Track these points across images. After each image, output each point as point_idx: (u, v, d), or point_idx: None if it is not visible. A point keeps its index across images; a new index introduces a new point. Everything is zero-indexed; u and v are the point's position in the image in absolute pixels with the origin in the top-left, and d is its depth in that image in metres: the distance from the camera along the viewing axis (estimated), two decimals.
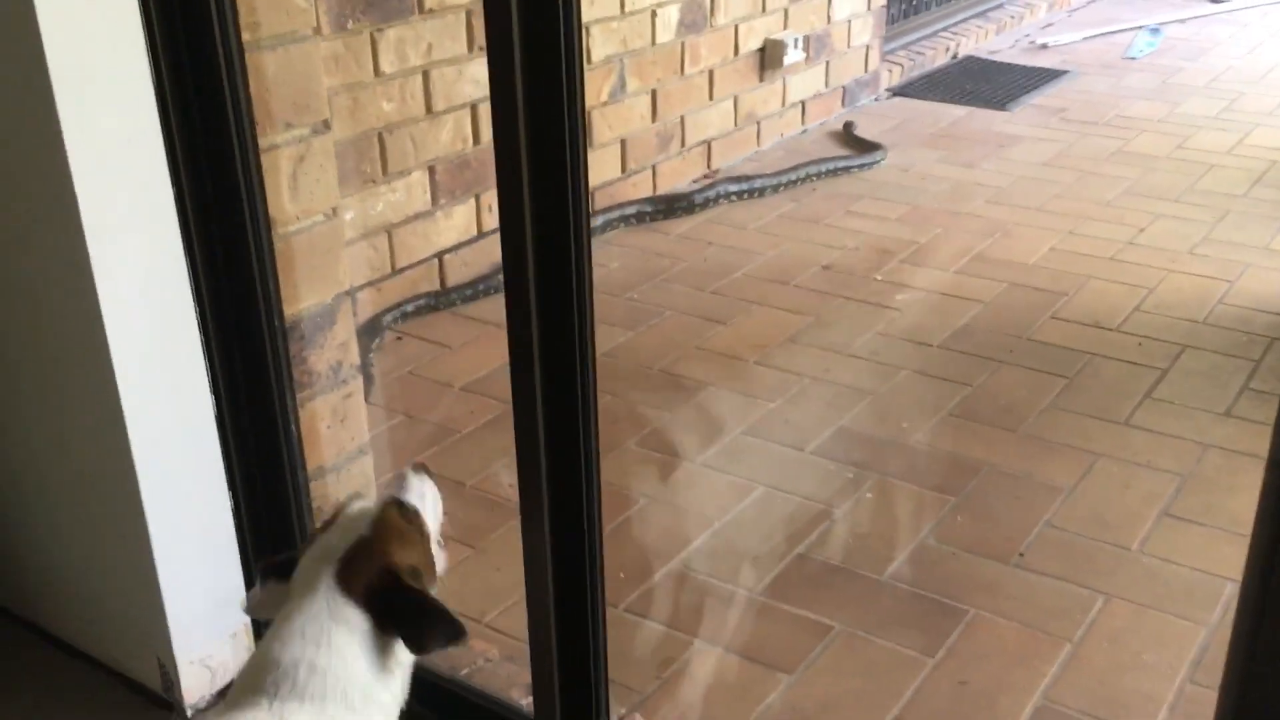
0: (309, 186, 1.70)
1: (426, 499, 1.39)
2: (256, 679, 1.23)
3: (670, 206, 3.79)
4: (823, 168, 4.08)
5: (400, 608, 1.26)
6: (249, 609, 1.43)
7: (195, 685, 1.80)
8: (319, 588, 1.25)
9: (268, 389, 1.70)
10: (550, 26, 1.24)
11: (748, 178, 3.99)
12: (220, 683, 1.83)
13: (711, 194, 3.85)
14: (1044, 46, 5.62)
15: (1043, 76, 5.14)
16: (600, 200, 3.74)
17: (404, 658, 1.30)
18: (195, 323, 1.65)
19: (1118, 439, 2.54)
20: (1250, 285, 3.19)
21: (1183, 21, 6.04)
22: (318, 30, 1.72)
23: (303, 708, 1.21)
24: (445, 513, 1.43)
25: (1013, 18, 5.92)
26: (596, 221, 3.67)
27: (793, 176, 4.01)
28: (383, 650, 1.27)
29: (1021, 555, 2.19)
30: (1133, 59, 5.41)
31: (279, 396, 1.71)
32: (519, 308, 1.37)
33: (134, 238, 1.56)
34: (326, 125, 1.72)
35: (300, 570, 1.29)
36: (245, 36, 1.55)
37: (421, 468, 1.42)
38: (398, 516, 1.34)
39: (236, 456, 1.74)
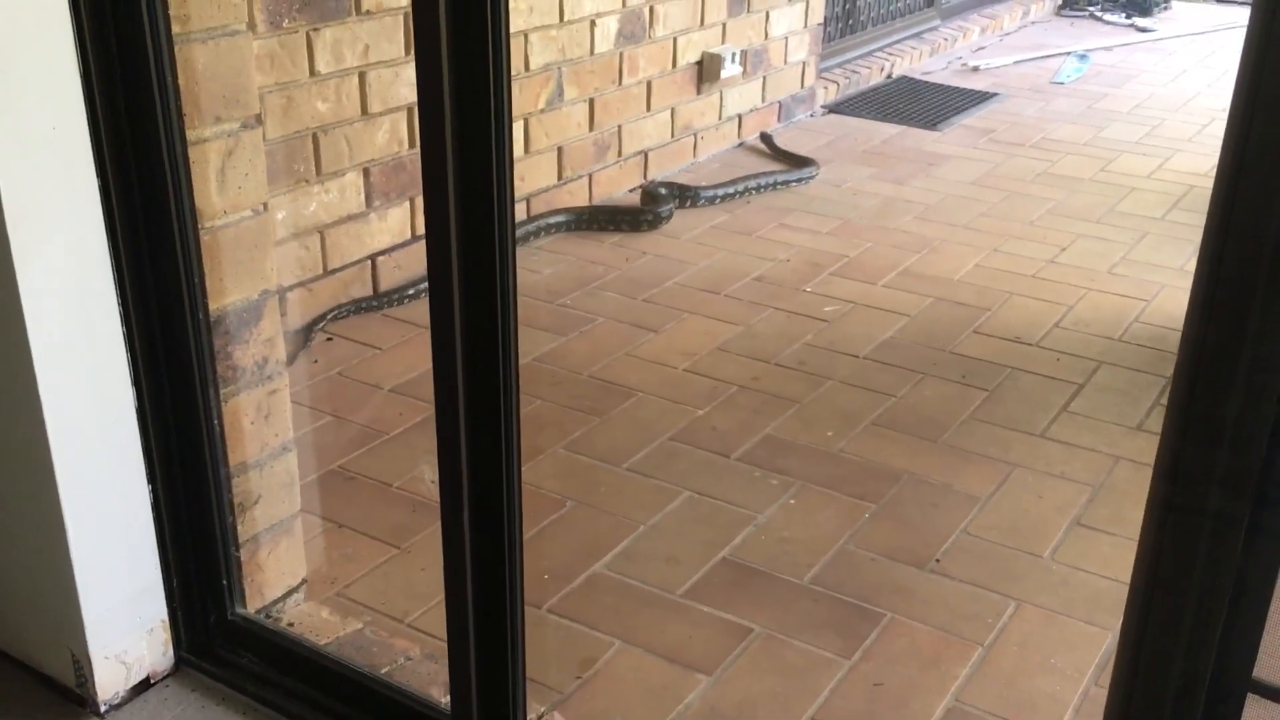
0: (237, 181, 1.70)
1: None
2: None
3: (635, 218, 3.82)
4: (763, 181, 4.14)
5: None
6: None
7: (110, 680, 1.78)
8: None
9: (190, 382, 1.70)
10: (479, 34, 1.26)
11: (693, 187, 4.04)
12: (135, 678, 1.82)
13: (664, 210, 3.87)
14: (975, 69, 5.75)
15: (973, 98, 5.25)
16: (537, 206, 3.76)
17: None
18: (117, 313, 1.64)
19: (1034, 450, 2.61)
20: (1165, 305, 3.29)
21: (1109, 49, 6.21)
22: (252, 27, 1.72)
23: None
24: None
25: (946, 40, 6.04)
26: (561, 218, 3.75)
27: (740, 188, 4.07)
28: None
29: (937, 561, 2.24)
30: (1060, 84, 5.55)
31: (202, 390, 1.71)
32: (443, 310, 1.39)
33: (56, 225, 1.55)
34: (257, 120, 1.72)
35: None
36: (175, 28, 1.55)
37: None
38: None
39: (157, 449, 1.73)
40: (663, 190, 3.97)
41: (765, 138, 4.58)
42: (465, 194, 1.33)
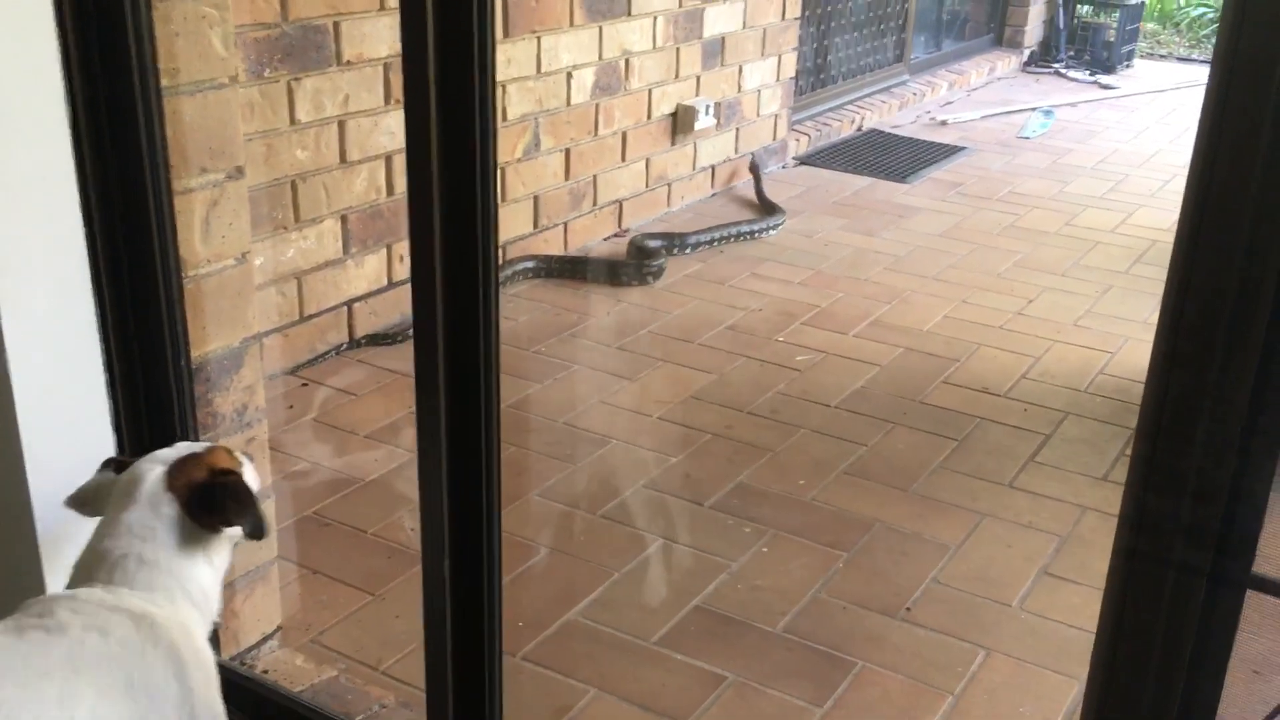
0: (221, 230, 1.72)
1: (249, 466, 1.56)
2: (91, 570, 1.36)
3: (640, 271, 3.86)
4: (741, 229, 4.20)
5: (216, 496, 1.42)
6: (73, 500, 1.49)
7: None
8: (146, 484, 1.41)
9: (171, 429, 1.71)
10: (465, 85, 1.29)
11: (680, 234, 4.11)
12: None
13: (656, 265, 3.90)
14: (944, 123, 5.86)
15: (942, 152, 5.35)
16: (512, 254, 3.79)
17: (219, 560, 1.45)
18: (100, 359, 1.65)
19: (1002, 500, 2.65)
20: (1129, 357, 3.35)
21: (1074, 105, 6.35)
22: (235, 78, 1.76)
23: (133, 594, 1.35)
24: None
25: (915, 95, 6.16)
26: (531, 264, 3.74)
27: (717, 235, 4.15)
28: (202, 546, 1.42)
29: (908, 610, 2.27)
30: (1026, 139, 5.66)
31: (182, 437, 1.72)
32: (427, 356, 1.41)
33: (42, 272, 1.57)
34: (241, 171, 1.74)
35: (131, 470, 1.44)
36: (164, 81, 1.58)
37: (247, 455, 1.61)
38: (227, 454, 1.52)
39: None
40: (651, 242, 4.01)
41: (754, 169, 4.64)
42: (450, 241, 1.36)
